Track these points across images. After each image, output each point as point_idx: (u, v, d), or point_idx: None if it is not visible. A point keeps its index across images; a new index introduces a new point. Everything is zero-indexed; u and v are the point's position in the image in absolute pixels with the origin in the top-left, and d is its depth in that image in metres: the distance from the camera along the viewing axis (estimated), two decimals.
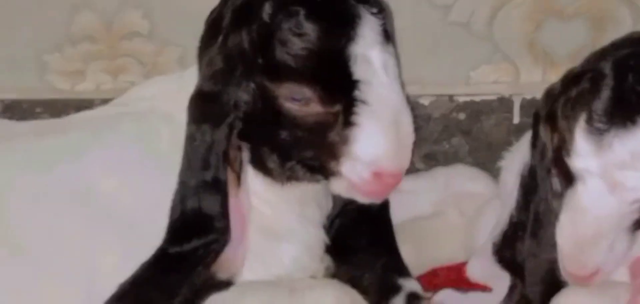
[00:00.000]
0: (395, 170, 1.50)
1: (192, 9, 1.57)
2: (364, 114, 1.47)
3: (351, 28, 1.46)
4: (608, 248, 1.46)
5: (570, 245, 1.47)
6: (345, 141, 1.48)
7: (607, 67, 1.46)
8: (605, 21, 1.83)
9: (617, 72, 1.45)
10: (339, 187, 1.54)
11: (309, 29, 1.45)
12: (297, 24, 1.46)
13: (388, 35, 1.49)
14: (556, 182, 1.50)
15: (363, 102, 1.47)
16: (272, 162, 1.55)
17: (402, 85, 1.52)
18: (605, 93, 1.44)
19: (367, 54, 1.47)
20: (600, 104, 1.44)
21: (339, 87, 1.46)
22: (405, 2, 1.65)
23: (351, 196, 1.56)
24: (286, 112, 1.49)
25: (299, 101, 1.48)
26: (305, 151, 1.52)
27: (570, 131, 1.45)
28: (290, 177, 1.55)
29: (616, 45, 1.52)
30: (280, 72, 1.47)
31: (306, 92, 1.47)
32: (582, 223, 1.46)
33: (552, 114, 1.50)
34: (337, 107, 1.48)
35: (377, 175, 1.49)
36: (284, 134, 1.51)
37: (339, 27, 1.46)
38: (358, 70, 1.46)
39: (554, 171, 1.51)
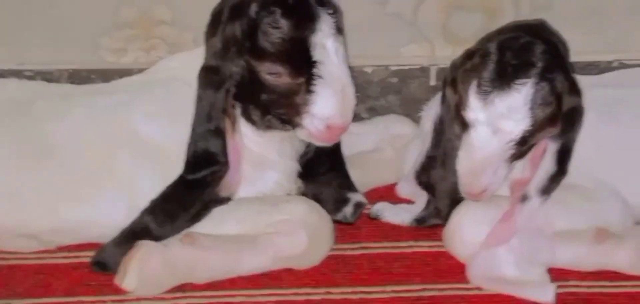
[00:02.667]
0: (342, 124, 1.51)
1: (203, 3, 1.55)
2: (320, 85, 1.48)
3: (313, 24, 1.47)
4: (492, 174, 1.47)
5: (466, 172, 1.49)
6: (306, 103, 1.48)
7: (492, 47, 1.47)
8: (495, 13, 1.81)
9: (499, 50, 1.46)
10: (302, 134, 1.55)
11: (283, 23, 1.46)
12: (274, 20, 1.46)
13: (339, 30, 1.49)
14: (457, 128, 1.51)
15: (320, 76, 1.47)
16: (256, 116, 1.55)
17: (349, 64, 1.52)
18: (490, 66, 1.45)
19: (324, 42, 1.48)
20: (486, 73, 1.45)
21: (303, 65, 1.47)
22: (353, 1, 1.64)
23: (311, 142, 1.57)
24: (265, 82, 1.50)
25: (275, 75, 1.48)
26: (278, 109, 1.52)
27: (466, 92, 1.46)
28: (268, 126, 1.55)
29: (500, 31, 1.52)
30: (262, 54, 1.47)
31: (279, 68, 1.47)
32: (474, 156, 1.47)
33: (454, 80, 1.51)
34: (301, 80, 1.48)
35: (329, 127, 1.50)
36: (263, 97, 1.51)
37: (304, 23, 1.46)
38: (317, 54, 1.47)
39: (455, 120, 1.51)
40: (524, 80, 1.43)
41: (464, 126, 1.48)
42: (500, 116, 1.44)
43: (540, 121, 1.45)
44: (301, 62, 1.47)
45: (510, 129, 1.44)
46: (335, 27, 1.49)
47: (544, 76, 1.44)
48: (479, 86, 1.45)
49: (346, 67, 1.51)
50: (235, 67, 1.50)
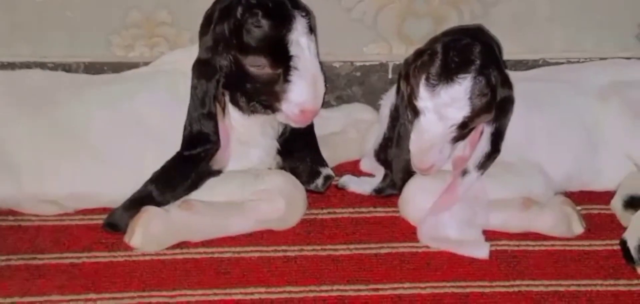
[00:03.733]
0: (313, 109, 1.51)
1: (197, 7, 1.55)
2: (295, 75, 1.48)
3: (289, 23, 1.47)
4: (438, 152, 1.49)
5: (416, 150, 1.51)
6: (284, 91, 1.49)
7: (438, 47, 1.48)
8: (442, 19, 1.82)
9: (444, 50, 1.47)
10: (281, 118, 1.55)
11: (264, 23, 1.46)
12: (256, 20, 1.47)
13: (311, 29, 1.50)
14: (409, 114, 1.52)
15: (295, 68, 1.48)
16: (242, 102, 1.54)
17: (319, 59, 1.52)
18: (437, 63, 1.46)
19: (298, 39, 1.48)
20: (433, 69, 1.46)
21: (281, 58, 1.48)
22: (323, 8, 1.64)
23: (288, 124, 1.57)
24: (249, 73, 1.50)
25: (257, 67, 1.49)
26: (260, 96, 1.52)
27: (417, 84, 1.48)
28: (253, 111, 1.55)
29: (445, 34, 1.53)
30: (246, 49, 1.48)
31: (261, 60, 1.48)
32: (423, 138, 1.49)
33: (407, 74, 1.52)
34: (279, 70, 1.49)
35: (303, 111, 1.51)
36: (248, 86, 1.52)
37: (282, 23, 1.47)
38: (292, 49, 1.48)
39: (408, 108, 1.52)
40: (465, 75, 1.44)
41: (415, 112, 1.48)
42: (444, 105, 1.45)
43: (478, 109, 1.46)
44: (279, 55, 1.47)
45: (453, 116, 1.45)
46: (308, 27, 1.49)
47: (481, 72, 1.44)
48: (427, 79, 1.45)
49: (317, 61, 1.51)
50: (224, 61, 1.49)
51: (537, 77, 1.71)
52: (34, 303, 1.37)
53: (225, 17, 1.48)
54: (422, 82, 1.46)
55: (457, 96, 1.44)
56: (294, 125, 1.56)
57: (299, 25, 1.48)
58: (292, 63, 1.47)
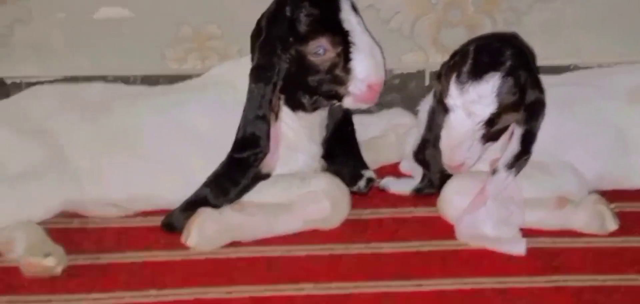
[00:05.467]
0: (379, 80, 1.49)
1: (245, 21, 1.57)
2: (354, 52, 1.47)
3: (337, 4, 1.48)
4: (467, 149, 1.47)
5: (446, 147, 1.49)
6: (347, 72, 1.48)
7: (471, 48, 1.48)
8: (476, 27, 1.82)
9: (476, 51, 1.47)
10: (348, 102, 1.52)
11: (314, 10, 1.47)
12: (307, 10, 1.47)
13: (356, 9, 1.51)
14: (441, 112, 1.51)
15: (353, 44, 1.47)
16: (304, 99, 1.53)
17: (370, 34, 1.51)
18: (468, 62, 1.46)
19: (348, 18, 1.48)
20: (464, 68, 1.46)
21: (339, 34, 1.47)
22: (366, 19, 1.66)
23: (355, 107, 1.54)
24: (311, 65, 1.49)
25: (319, 54, 1.48)
26: (325, 85, 1.50)
27: (448, 83, 1.47)
28: (315, 107, 1.54)
29: (477, 38, 1.54)
30: (305, 38, 1.47)
31: (322, 42, 1.47)
32: (451, 135, 1.48)
33: (440, 74, 1.52)
34: (339, 49, 1.48)
35: (369, 87, 1.49)
36: (311, 80, 1.50)
37: (329, 5, 1.48)
38: (346, 26, 1.47)
39: (439, 106, 1.51)
40: (493, 73, 1.43)
41: (446, 110, 1.48)
42: (472, 101, 1.44)
43: (504, 107, 1.44)
44: (337, 31, 1.47)
45: (479, 112, 1.44)
46: (352, 6, 1.49)
47: (510, 72, 1.44)
48: (458, 77, 1.45)
49: (369, 34, 1.49)
50: (284, 63, 1.48)
51: (569, 81, 1.70)
52: (99, 299, 1.39)
53: (277, 20, 1.49)
54: (453, 80, 1.46)
55: (484, 93, 1.43)
56: (362, 106, 1.53)
57: (345, 5, 1.48)
58: (349, 38, 1.46)
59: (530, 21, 1.81)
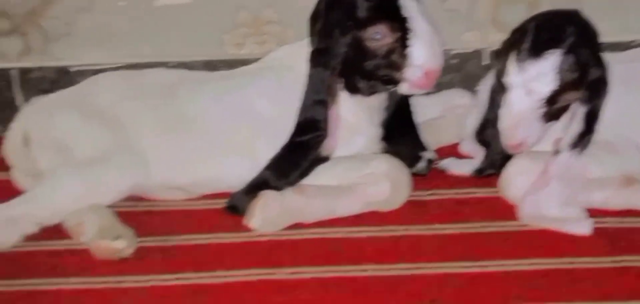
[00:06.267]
0: (436, 67, 1.48)
1: (301, 5, 1.57)
2: (413, 38, 1.46)
3: None
4: (527, 128, 1.45)
5: (505, 126, 1.47)
6: (405, 57, 1.47)
7: (530, 27, 1.46)
8: (536, 4, 1.77)
9: (536, 28, 1.45)
10: (404, 88, 1.51)
11: None
12: None
13: None
14: (500, 91, 1.49)
15: (411, 30, 1.46)
16: (362, 83, 1.53)
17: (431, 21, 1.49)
18: (527, 41, 1.44)
19: (408, 4, 1.47)
20: (524, 45, 1.44)
21: (397, 21, 1.47)
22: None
23: (411, 93, 1.53)
24: (369, 50, 1.48)
25: (377, 39, 1.47)
26: (382, 71, 1.50)
27: (508, 60, 1.45)
28: (372, 91, 1.54)
29: (538, 15, 1.51)
30: (364, 23, 1.47)
31: (380, 28, 1.46)
32: (511, 114, 1.45)
33: (499, 52, 1.51)
34: (398, 35, 1.47)
35: (426, 73, 1.48)
36: (368, 64, 1.50)
37: None
38: (405, 12, 1.46)
39: (498, 84, 1.48)
40: (553, 50, 1.41)
41: (505, 89, 1.46)
42: (531, 79, 1.42)
43: (565, 84, 1.42)
44: (395, 18, 1.46)
45: (539, 90, 1.42)
46: None
47: (571, 49, 1.41)
48: (517, 55, 1.43)
49: (428, 21, 1.48)
50: (342, 47, 1.47)
51: (634, 57, 1.67)
52: (167, 280, 1.41)
53: (336, 4, 1.48)
54: (512, 57, 1.44)
55: (544, 71, 1.40)
56: (419, 92, 1.53)
57: None
58: (407, 26, 1.45)
59: None
